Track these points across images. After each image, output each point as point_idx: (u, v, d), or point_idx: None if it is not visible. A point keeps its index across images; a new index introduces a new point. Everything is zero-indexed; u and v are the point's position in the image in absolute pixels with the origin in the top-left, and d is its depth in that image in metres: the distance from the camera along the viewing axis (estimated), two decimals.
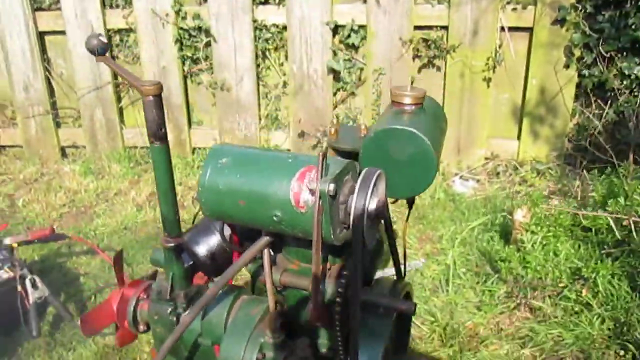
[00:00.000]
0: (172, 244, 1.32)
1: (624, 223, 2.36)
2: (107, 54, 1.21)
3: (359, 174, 0.98)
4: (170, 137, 3.77)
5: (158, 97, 1.26)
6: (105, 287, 2.68)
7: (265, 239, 1.13)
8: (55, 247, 3.04)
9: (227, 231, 1.35)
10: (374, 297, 1.16)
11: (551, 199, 3.22)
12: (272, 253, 1.18)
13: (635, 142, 3.38)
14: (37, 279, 2.35)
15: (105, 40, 1.23)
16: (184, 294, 1.38)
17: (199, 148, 4.09)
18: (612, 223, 2.35)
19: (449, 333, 2.24)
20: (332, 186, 0.91)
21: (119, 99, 4.06)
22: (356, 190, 0.95)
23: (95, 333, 1.52)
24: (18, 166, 4.17)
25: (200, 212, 1.17)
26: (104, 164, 4.06)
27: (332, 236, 0.97)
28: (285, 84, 3.84)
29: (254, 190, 1.00)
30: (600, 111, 3.54)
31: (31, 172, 4.03)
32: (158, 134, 1.26)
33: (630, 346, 2.06)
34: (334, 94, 3.77)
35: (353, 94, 3.75)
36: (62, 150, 4.22)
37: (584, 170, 3.38)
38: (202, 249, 1.36)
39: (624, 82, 3.37)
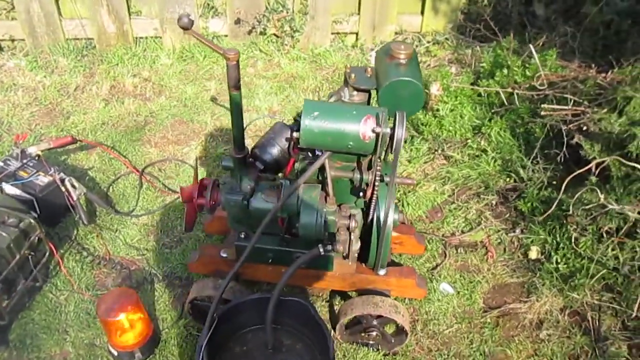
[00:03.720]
0: (240, 155, 2.04)
1: (509, 90, 3.28)
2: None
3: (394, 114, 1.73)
4: (112, 28, 4.08)
5: (237, 62, 1.87)
6: (117, 178, 3.22)
7: (327, 153, 1.86)
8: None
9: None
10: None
11: (450, 67, 4.09)
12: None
13: (515, 18, 4.29)
14: (74, 180, 2.85)
15: (192, 19, 1.80)
16: (251, 187, 2.11)
17: (141, 38, 4.38)
18: (500, 92, 3.27)
19: None
20: (387, 129, 1.65)
21: None
22: (397, 125, 1.69)
23: (193, 226, 2.23)
24: None
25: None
26: (49, 58, 4.27)
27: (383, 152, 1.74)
28: None
29: (336, 131, 1.71)
30: None
31: None
32: (237, 85, 1.90)
33: (513, 174, 3.08)
34: None
35: None
36: None
37: (474, 40, 4.27)
38: (268, 156, 2.09)
39: None
